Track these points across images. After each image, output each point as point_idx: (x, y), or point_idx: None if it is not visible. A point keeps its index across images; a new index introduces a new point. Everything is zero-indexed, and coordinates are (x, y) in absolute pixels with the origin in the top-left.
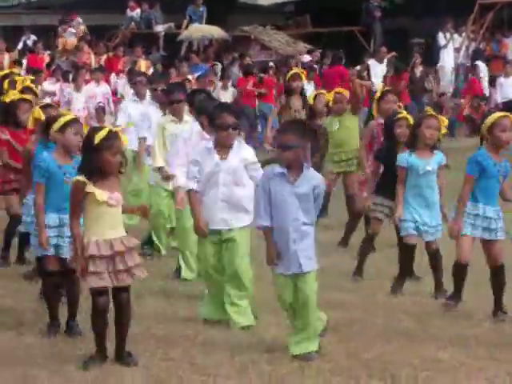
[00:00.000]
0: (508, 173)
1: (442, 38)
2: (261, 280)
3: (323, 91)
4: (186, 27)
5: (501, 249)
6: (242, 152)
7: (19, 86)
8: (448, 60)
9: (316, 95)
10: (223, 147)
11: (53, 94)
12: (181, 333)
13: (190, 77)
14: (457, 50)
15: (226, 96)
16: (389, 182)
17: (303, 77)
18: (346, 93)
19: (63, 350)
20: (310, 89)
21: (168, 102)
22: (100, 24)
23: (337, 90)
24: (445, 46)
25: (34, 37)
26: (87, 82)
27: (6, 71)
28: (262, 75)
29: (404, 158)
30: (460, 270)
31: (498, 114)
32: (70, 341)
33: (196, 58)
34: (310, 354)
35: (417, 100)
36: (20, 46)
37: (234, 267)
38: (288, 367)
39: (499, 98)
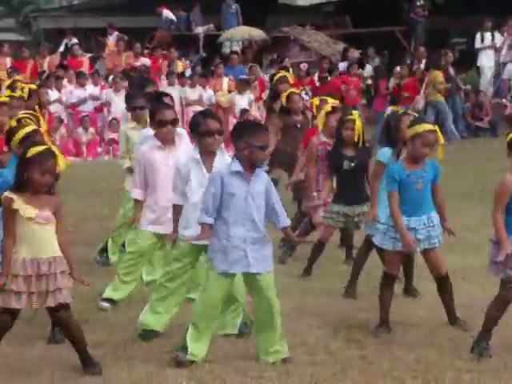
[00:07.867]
0: (434, 176)
1: (479, 38)
2: (295, 286)
3: (295, 90)
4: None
5: (439, 257)
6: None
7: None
8: (486, 59)
9: (288, 94)
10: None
11: (96, 98)
12: (220, 336)
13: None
14: (498, 49)
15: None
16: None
17: (290, 80)
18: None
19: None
20: None
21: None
22: (138, 26)
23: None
24: (483, 46)
25: (75, 40)
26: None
27: (9, 82)
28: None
29: None
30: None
31: (426, 125)
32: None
33: (236, 60)
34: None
35: (451, 98)
36: (62, 48)
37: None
38: (330, 369)
39: None
